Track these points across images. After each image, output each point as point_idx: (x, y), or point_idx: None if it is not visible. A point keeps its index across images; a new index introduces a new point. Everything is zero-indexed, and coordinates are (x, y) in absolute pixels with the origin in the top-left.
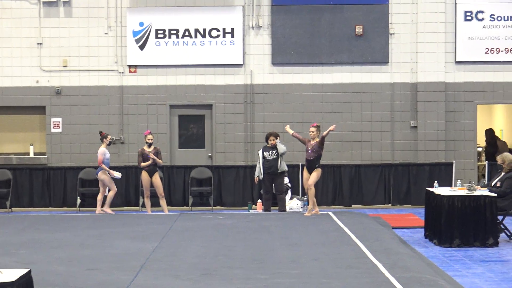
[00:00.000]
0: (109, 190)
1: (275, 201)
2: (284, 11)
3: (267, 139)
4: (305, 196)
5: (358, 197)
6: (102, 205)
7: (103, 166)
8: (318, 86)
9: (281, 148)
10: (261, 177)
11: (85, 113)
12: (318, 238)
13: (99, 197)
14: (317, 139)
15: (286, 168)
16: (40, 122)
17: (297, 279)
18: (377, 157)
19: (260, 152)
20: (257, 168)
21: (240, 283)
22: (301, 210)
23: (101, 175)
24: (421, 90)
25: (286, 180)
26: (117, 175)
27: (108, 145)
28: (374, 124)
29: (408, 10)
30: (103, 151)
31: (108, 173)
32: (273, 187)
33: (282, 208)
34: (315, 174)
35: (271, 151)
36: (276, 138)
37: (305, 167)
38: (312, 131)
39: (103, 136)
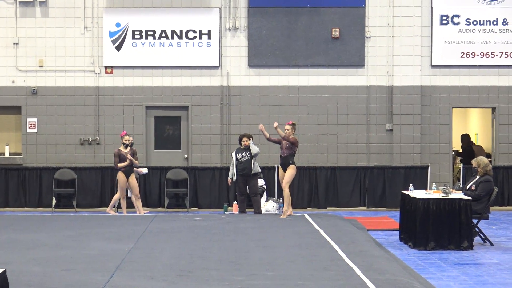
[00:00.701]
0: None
1: (250, 202)
2: (261, 13)
3: (240, 140)
4: (281, 198)
5: (334, 200)
6: (114, 206)
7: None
8: (294, 89)
9: (254, 149)
10: (234, 179)
11: (61, 113)
12: (294, 240)
13: (133, 198)
14: (292, 137)
15: (259, 170)
16: (15, 122)
17: (272, 281)
18: (353, 159)
19: (233, 154)
20: (231, 170)
21: (216, 284)
22: (276, 212)
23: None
24: (396, 93)
25: (262, 182)
26: (145, 171)
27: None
28: (350, 127)
29: (385, 13)
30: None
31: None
32: (247, 189)
33: (257, 209)
34: (289, 173)
35: (244, 153)
36: (249, 139)
37: (280, 165)
38: (287, 129)
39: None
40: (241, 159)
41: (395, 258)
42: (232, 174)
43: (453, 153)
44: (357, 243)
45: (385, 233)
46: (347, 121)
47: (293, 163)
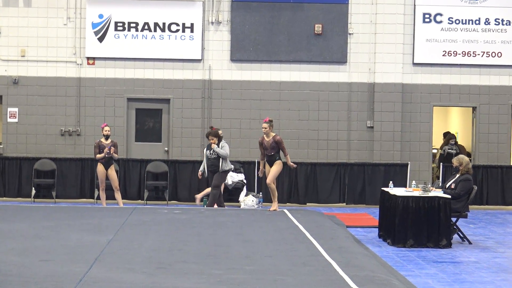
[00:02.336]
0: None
1: (230, 197)
2: (244, 8)
3: (207, 137)
4: (260, 192)
5: (313, 195)
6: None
7: None
8: (276, 84)
9: (220, 152)
10: (205, 174)
11: (42, 103)
12: (273, 235)
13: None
14: (272, 134)
15: (229, 167)
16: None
17: (251, 275)
18: (333, 156)
19: (204, 150)
20: (202, 164)
21: (195, 277)
22: (256, 206)
23: None
24: (378, 90)
25: (242, 176)
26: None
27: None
28: (331, 123)
29: (368, 10)
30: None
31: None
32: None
33: (211, 203)
34: (274, 169)
35: (212, 150)
36: (216, 137)
37: (266, 161)
38: (265, 127)
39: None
40: (209, 156)
41: (373, 254)
42: (203, 168)
43: (434, 151)
44: (336, 239)
45: (364, 229)
46: (328, 117)
47: (279, 158)
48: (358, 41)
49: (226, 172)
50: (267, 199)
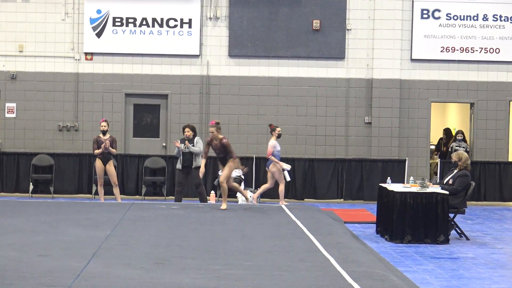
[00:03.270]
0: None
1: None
2: (242, 4)
3: (183, 130)
4: (258, 188)
5: (311, 191)
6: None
7: (273, 158)
8: (274, 79)
9: (193, 149)
10: (179, 167)
11: (40, 99)
12: (271, 231)
13: (265, 187)
14: (220, 136)
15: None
16: None
17: (249, 271)
18: (331, 152)
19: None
20: (179, 159)
21: (192, 273)
22: (253, 202)
23: (271, 168)
24: (376, 86)
25: (240, 172)
26: (286, 167)
27: (278, 137)
28: (329, 119)
29: (366, 6)
30: (273, 143)
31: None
32: (189, 181)
33: (203, 200)
34: (227, 169)
35: (185, 146)
36: (193, 131)
37: (219, 162)
38: (212, 131)
39: (272, 129)
40: (183, 151)
41: (371, 250)
42: (179, 162)
43: (432, 147)
44: (334, 235)
45: (361, 225)
46: (326, 113)
47: (231, 157)
48: (356, 37)
49: (199, 168)
50: (264, 194)
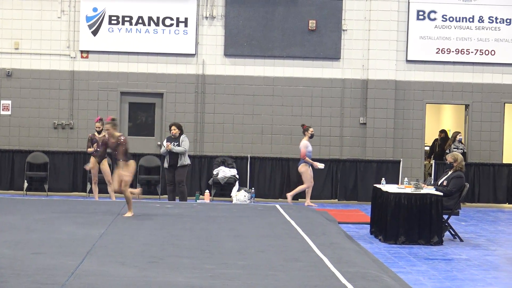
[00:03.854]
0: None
1: (222, 192)
2: (238, 3)
3: (169, 128)
4: (253, 188)
5: (305, 191)
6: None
7: (307, 158)
8: (269, 79)
9: (176, 149)
10: (166, 165)
11: (35, 96)
12: (265, 230)
13: (302, 188)
14: (117, 134)
15: (188, 162)
16: None
17: (243, 270)
18: (326, 152)
19: (164, 142)
20: (166, 158)
21: (187, 272)
22: (248, 202)
23: (301, 168)
24: (371, 87)
25: (234, 171)
26: (321, 166)
27: (310, 138)
28: (324, 119)
29: (362, 7)
30: (305, 144)
31: (311, 165)
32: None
33: (184, 199)
34: (126, 173)
35: (173, 143)
36: (179, 129)
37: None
38: (108, 128)
39: (304, 129)
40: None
41: (365, 251)
42: (166, 161)
43: (427, 148)
44: (328, 235)
45: (355, 226)
46: (321, 113)
47: (129, 159)
48: (351, 38)
49: (185, 167)
50: (259, 194)
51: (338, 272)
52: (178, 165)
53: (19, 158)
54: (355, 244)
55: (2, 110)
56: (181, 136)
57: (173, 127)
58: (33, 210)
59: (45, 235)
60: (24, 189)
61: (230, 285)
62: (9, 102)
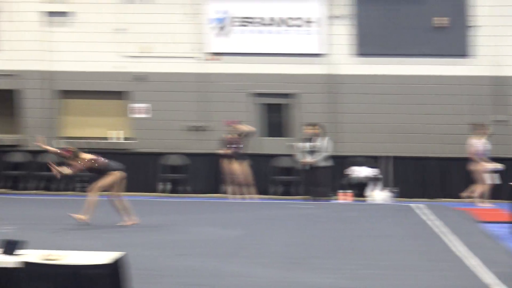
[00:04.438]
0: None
1: (359, 191)
2: (366, 1)
3: (305, 129)
4: (392, 187)
5: (444, 191)
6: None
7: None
8: (398, 78)
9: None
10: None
11: (168, 99)
12: (404, 230)
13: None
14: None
15: (328, 163)
16: (121, 107)
17: (387, 271)
18: (461, 150)
19: (300, 144)
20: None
21: (329, 273)
22: (385, 201)
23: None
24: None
25: (371, 171)
26: (499, 166)
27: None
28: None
29: (492, 2)
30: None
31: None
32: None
33: (322, 200)
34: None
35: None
36: (318, 130)
37: None
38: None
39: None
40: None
41: (508, 250)
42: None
43: None
44: (470, 235)
45: (495, 225)
46: (461, 111)
47: (113, 169)
48: (482, 34)
49: (325, 168)
50: (397, 194)
51: (486, 272)
52: (318, 166)
53: (156, 161)
54: (498, 244)
55: (137, 113)
56: (326, 139)
57: (309, 127)
58: (173, 211)
59: (187, 236)
60: (163, 191)
61: (375, 285)
62: (145, 105)
